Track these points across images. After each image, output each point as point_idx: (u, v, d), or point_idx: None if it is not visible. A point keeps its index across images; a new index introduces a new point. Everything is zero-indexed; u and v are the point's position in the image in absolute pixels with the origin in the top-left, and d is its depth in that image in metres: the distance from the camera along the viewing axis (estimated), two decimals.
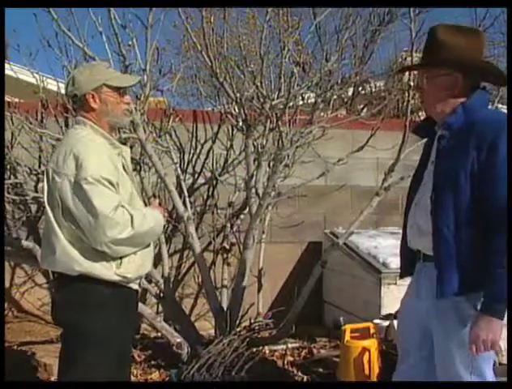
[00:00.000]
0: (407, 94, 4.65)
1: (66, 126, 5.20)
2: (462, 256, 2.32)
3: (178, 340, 4.40)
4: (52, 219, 2.58)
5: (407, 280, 2.74)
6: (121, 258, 2.60)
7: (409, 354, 2.66)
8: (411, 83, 4.50)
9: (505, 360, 4.38)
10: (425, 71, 2.49)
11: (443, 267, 2.36)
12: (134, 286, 2.74)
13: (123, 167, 2.72)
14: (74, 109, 2.80)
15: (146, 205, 3.00)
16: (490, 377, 2.43)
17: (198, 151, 5.78)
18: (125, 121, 2.87)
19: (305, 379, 4.25)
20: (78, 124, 2.71)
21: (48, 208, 2.61)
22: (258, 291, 5.16)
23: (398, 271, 2.80)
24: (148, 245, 2.74)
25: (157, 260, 4.79)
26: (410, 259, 2.62)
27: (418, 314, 2.55)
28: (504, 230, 2.21)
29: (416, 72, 2.72)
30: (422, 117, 2.71)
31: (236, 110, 4.81)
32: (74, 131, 2.70)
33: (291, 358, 4.65)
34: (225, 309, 4.68)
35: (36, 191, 5.03)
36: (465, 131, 2.35)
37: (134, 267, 2.64)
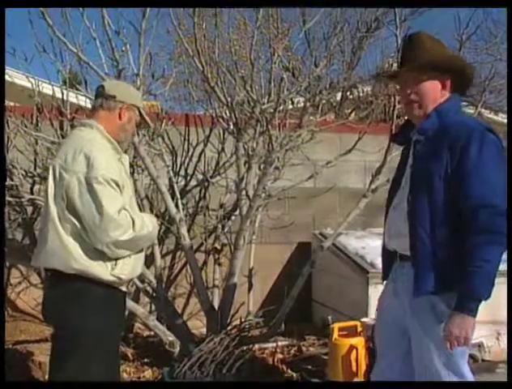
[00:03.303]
0: (393, 99, 4.68)
1: (61, 129, 5.19)
2: (438, 256, 2.36)
3: (170, 339, 4.40)
4: (54, 215, 2.57)
5: None
6: (116, 259, 2.60)
7: (386, 352, 2.68)
8: (397, 88, 4.52)
9: (487, 356, 4.43)
10: (408, 76, 2.51)
11: (420, 267, 2.39)
12: (123, 288, 2.76)
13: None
14: (92, 107, 2.83)
15: (139, 207, 3.02)
16: (466, 371, 2.45)
17: (190, 153, 5.78)
18: (126, 146, 3.02)
19: (294, 376, 4.26)
20: (84, 126, 2.73)
21: (51, 204, 2.59)
22: (249, 290, 5.17)
23: None
24: (142, 249, 2.75)
25: (150, 260, 4.79)
26: (390, 262, 2.65)
27: (395, 313, 2.58)
28: (475, 230, 2.25)
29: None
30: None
31: (228, 114, 4.82)
32: (81, 133, 2.71)
33: (280, 356, 4.66)
34: (216, 308, 4.68)
35: (32, 193, 5.01)
36: (439, 135, 2.40)
37: (128, 269, 2.65)
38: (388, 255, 2.66)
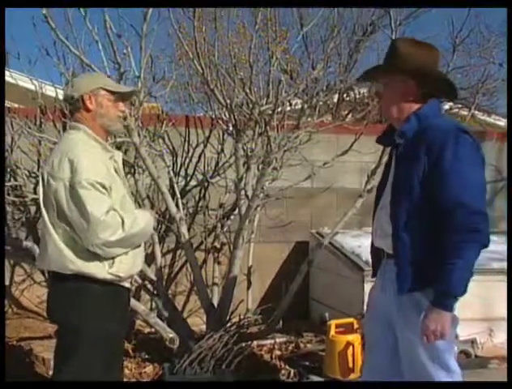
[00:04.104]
0: None
1: (64, 130, 5.18)
2: (419, 254, 2.40)
3: (171, 336, 4.39)
4: (47, 220, 2.58)
5: None
6: (113, 258, 2.59)
7: (375, 345, 2.70)
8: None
9: (480, 352, 4.44)
10: (384, 78, 2.57)
11: (401, 266, 2.43)
12: (126, 284, 2.74)
13: (115, 170, 2.72)
14: (70, 113, 2.80)
15: (140, 206, 3.00)
16: (453, 365, 2.48)
17: (190, 154, 5.78)
18: (118, 127, 2.84)
19: (291, 372, 4.25)
20: (72, 129, 2.71)
21: (43, 210, 2.61)
22: (248, 288, 5.17)
23: None
24: (139, 246, 2.74)
25: (151, 259, 4.78)
26: (378, 259, 2.70)
27: (383, 307, 2.61)
28: (451, 229, 2.29)
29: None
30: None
31: (227, 115, 4.81)
32: (69, 136, 2.70)
33: (278, 352, 4.66)
34: (216, 305, 4.67)
35: (35, 193, 4.99)
36: (418, 138, 2.44)
37: (125, 266, 2.64)
38: (376, 253, 2.71)
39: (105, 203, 2.53)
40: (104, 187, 2.53)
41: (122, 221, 2.55)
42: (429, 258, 2.35)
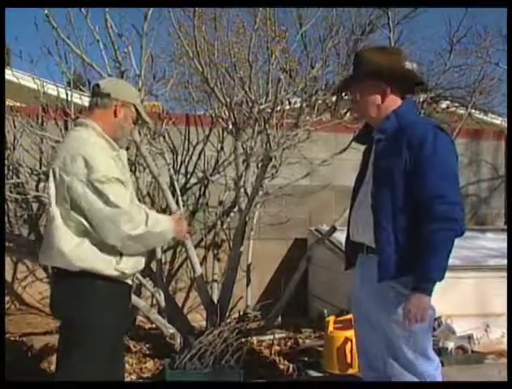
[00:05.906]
0: None
1: (66, 129, 5.18)
2: (399, 243, 2.49)
3: (171, 331, 4.39)
4: (58, 215, 2.52)
5: None
6: (121, 254, 2.57)
7: (363, 334, 2.77)
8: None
9: (477, 348, 4.44)
10: (357, 85, 2.66)
11: (383, 254, 2.51)
12: (129, 281, 2.73)
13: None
14: (90, 104, 2.74)
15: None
16: (432, 354, 2.59)
17: (190, 152, 5.78)
18: (123, 143, 2.81)
19: (290, 368, 4.25)
20: (79, 125, 2.68)
21: (53, 205, 2.54)
22: (247, 285, 5.16)
23: None
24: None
25: (152, 256, 4.78)
26: (354, 253, 2.78)
27: (364, 303, 2.70)
28: (430, 218, 2.40)
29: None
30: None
31: (227, 114, 4.80)
32: (77, 133, 2.65)
33: (278, 348, 4.66)
34: (216, 302, 4.67)
35: (37, 190, 5.00)
36: (398, 134, 2.54)
37: (131, 263, 2.62)
38: (354, 246, 2.77)
39: (126, 196, 2.53)
40: (121, 182, 2.53)
41: (147, 217, 2.53)
42: (409, 247, 2.45)
